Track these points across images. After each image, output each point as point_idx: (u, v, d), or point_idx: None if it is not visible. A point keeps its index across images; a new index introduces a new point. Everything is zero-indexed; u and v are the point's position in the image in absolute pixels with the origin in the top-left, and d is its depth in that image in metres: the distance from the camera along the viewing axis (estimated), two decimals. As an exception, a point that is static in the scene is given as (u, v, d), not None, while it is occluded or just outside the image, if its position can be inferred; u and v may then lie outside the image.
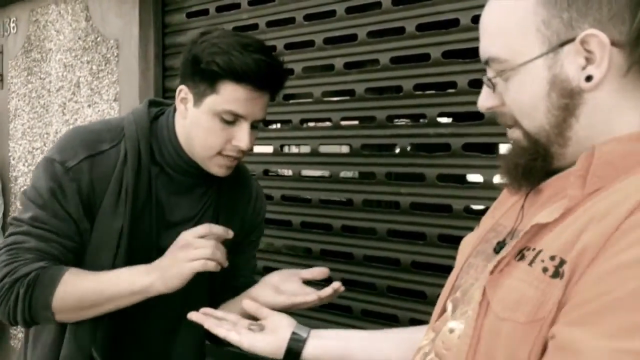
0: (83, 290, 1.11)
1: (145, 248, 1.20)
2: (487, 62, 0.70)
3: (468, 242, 0.83)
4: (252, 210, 1.37)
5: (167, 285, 1.09)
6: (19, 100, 3.07)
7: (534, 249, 0.64)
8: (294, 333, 1.00)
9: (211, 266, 1.09)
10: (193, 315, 1.07)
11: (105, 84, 2.57)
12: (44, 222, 1.15)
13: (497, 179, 1.69)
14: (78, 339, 1.17)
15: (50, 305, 1.11)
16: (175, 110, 1.22)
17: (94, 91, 2.62)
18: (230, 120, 1.13)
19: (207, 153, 1.17)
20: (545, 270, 0.60)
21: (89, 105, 2.65)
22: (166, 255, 1.12)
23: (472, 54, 1.60)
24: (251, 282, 1.33)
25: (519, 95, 0.68)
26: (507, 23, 0.67)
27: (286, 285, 1.21)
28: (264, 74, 1.11)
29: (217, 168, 1.19)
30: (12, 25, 3.07)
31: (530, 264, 0.63)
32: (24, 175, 3.04)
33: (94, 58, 2.62)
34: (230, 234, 1.14)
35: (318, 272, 1.22)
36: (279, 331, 1.01)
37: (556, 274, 0.59)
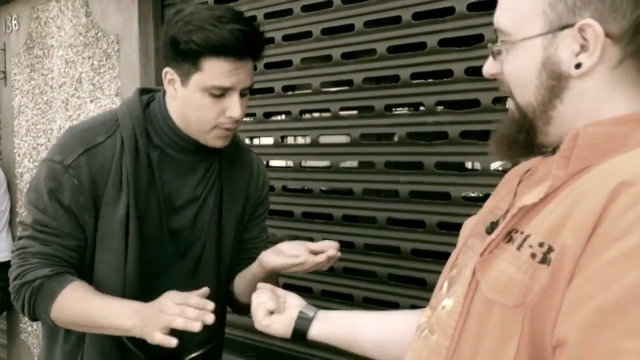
0: (76, 311, 1.17)
1: (156, 232, 1.24)
2: (496, 31, 0.74)
3: (469, 224, 0.86)
4: (255, 183, 1.40)
5: (142, 334, 1.10)
6: (22, 97, 3.10)
7: (521, 232, 0.66)
8: (301, 312, 1.03)
9: (191, 326, 1.05)
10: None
11: (107, 79, 2.59)
12: (45, 225, 1.19)
13: (494, 165, 1.70)
14: None
15: (49, 315, 1.19)
16: (165, 93, 1.25)
17: (96, 86, 2.64)
18: (219, 94, 1.15)
19: (203, 127, 1.20)
20: (533, 256, 0.62)
21: (92, 101, 2.67)
22: (151, 307, 1.11)
23: (468, 41, 1.61)
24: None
25: (514, 68, 0.71)
26: (519, 1, 0.70)
27: (292, 251, 1.23)
28: (242, 43, 1.12)
29: (215, 140, 1.22)
30: (13, 22, 3.09)
31: (519, 248, 0.64)
32: (29, 171, 3.08)
33: (95, 53, 2.64)
34: (210, 306, 1.08)
35: (327, 245, 1.22)
36: (287, 311, 1.04)
37: (544, 260, 0.60)
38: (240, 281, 1.36)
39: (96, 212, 1.20)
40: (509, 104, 0.76)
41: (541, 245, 0.61)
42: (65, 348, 1.27)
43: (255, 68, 1.21)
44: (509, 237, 0.68)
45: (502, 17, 0.73)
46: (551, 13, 0.67)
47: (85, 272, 1.23)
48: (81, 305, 1.16)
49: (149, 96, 1.29)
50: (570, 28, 0.66)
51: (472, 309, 0.68)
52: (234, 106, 1.16)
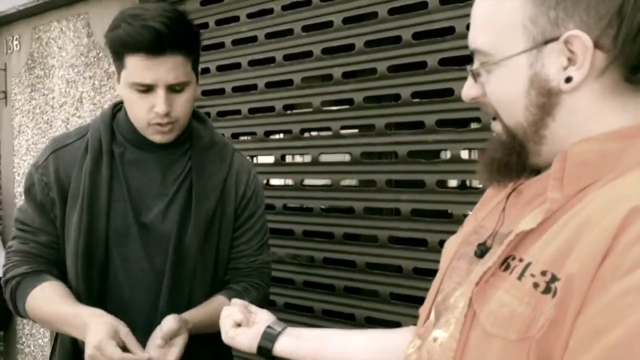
0: (43, 311, 1.22)
1: (125, 226, 1.25)
2: (473, 53, 0.70)
3: (451, 244, 0.81)
4: (235, 179, 1.34)
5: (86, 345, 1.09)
6: (22, 117, 3.11)
7: (520, 260, 0.62)
8: (268, 327, 0.99)
9: None
10: None
11: (108, 99, 2.59)
12: (23, 223, 1.29)
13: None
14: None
15: (26, 312, 1.25)
16: None
17: (97, 106, 2.65)
18: (143, 90, 1.16)
19: (139, 124, 1.23)
20: (536, 285, 0.58)
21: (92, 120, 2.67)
22: (91, 326, 1.10)
23: (469, 61, 1.61)
24: (253, 265, 1.36)
25: (499, 89, 0.68)
26: (494, 16, 0.67)
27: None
28: (154, 39, 1.11)
29: (154, 136, 1.23)
30: (15, 42, 3.11)
31: (520, 277, 0.61)
32: (28, 190, 3.07)
33: (96, 73, 2.65)
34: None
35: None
36: (255, 325, 1.01)
37: (548, 290, 0.57)
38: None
39: (64, 207, 1.26)
40: (495, 126, 0.72)
41: (544, 274, 0.58)
42: (63, 339, 1.30)
43: (191, 58, 1.19)
44: (505, 265, 0.64)
45: (478, 36, 0.69)
46: (532, 28, 0.64)
47: (63, 267, 1.28)
48: (46, 306, 1.21)
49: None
50: (555, 42, 0.63)
51: (469, 342, 0.64)
52: (158, 102, 1.16)
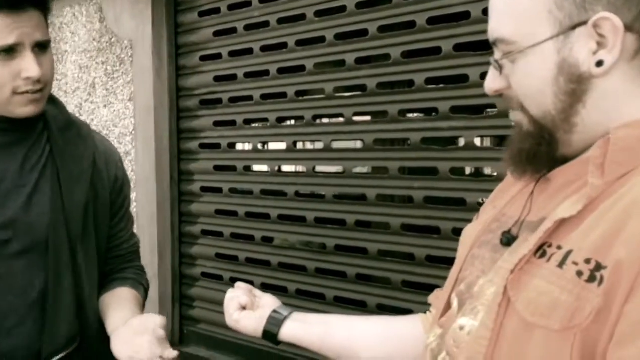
0: None
1: None
2: (494, 43, 0.69)
3: (470, 233, 0.80)
4: (105, 160, 1.23)
5: None
6: (36, 102, 3.12)
7: (559, 247, 0.61)
8: (274, 311, 0.98)
9: None
10: None
11: (120, 84, 2.60)
12: None
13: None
14: None
15: None
16: None
17: (109, 91, 2.66)
18: (5, 54, 1.01)
19: (2, 97, 1.04)
20: (579, 274, 0.57)
21: (105, 106, 2.68)
22: None
23: (484, 46, 1.59)
24: (132, 249, 1.30)
25: (526, 79, 0.66)
26: (517, 4, 0.65)
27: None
28: None
29: (22, 108, 1.06)
30: (28, 28, 3.12)
31: (560, 265, 0.59)
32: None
33: (108, 59, 2.65)
34: None
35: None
36: (260, 309, 0.99)
37: (592, 278, 0.56)
38: (108, 310, 1.19)
39: None
40: (517, 117, 0.70)
41: (588, 262, 0.57)
42: None
43: (46, 16, 1.07)
44: (541, 252, 0.62)
45: (500, 25, 0.67)
46: (559, 13, 0.62)
47: None
48: None
49: None
50: (584, 26, 0.61)
51: (504, 330, 0.62)
52: (28, 65, 1.02)
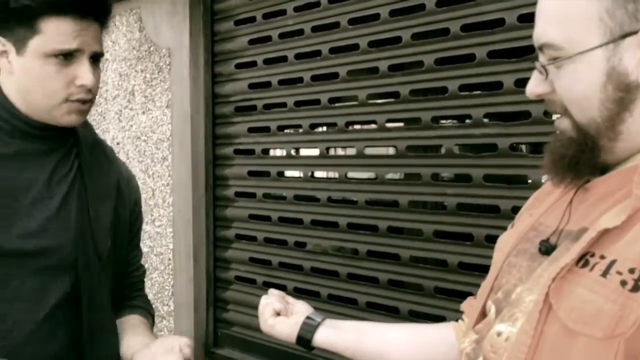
0: None
1: (3, 232, 1.00)
2: (541, 48, 0.68)
3: (506, 241, 0.80)
4: (126, 184, 1.22)
5: None
6: (78, 109, 3.22)
7: (602, 257, 0.61)
8: (307, 318, 1.00)
9: None
10: None
11: (158, 92, 2.67)
12: None
13: (545, 178, 1.67)
14: None
15: None
16: None
17: (148, 98, 2.73)
18: (64, 59, 1.00)
19: (52, 101, 1.02)
20: (623, 283, 0.57)
21: (143, 112, 2.75)
22: None
23: (518, 53, 1.59)
24: (141, 277, 1.30)
25: (573, 85, 0.66)
26: (569, 10, 0.65)
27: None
28: (84, 1, 0.99)
29: (68, 116, 1.04)
30: (71, 37, 3.22)
31: (604, 275, 0.59)
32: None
33: (147, 67, 2.72)
34: None
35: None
36: (294, 315, 1.02)
37: (636, 288, 0.56)
38: (122, 336, 1.16)
39: None
40: (561, 123, 0.70)
41: (632, 271, 0.57)
42: None
43: (103, 28, 1.07)
44: (584, 261, 0.63)
45: (548, 30, 0.67)
46: (610, 21, 0.63)
47: None
48: None
49: None
50: (635, 35, 0.62)
51: (544, 337, 0.63)
52: (84, 72, 1.01)
